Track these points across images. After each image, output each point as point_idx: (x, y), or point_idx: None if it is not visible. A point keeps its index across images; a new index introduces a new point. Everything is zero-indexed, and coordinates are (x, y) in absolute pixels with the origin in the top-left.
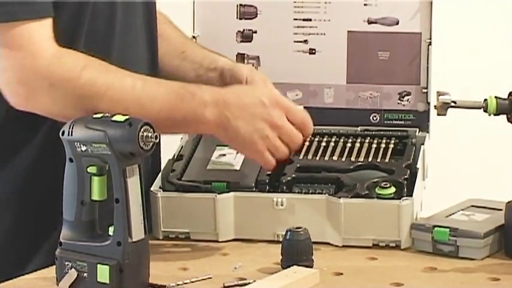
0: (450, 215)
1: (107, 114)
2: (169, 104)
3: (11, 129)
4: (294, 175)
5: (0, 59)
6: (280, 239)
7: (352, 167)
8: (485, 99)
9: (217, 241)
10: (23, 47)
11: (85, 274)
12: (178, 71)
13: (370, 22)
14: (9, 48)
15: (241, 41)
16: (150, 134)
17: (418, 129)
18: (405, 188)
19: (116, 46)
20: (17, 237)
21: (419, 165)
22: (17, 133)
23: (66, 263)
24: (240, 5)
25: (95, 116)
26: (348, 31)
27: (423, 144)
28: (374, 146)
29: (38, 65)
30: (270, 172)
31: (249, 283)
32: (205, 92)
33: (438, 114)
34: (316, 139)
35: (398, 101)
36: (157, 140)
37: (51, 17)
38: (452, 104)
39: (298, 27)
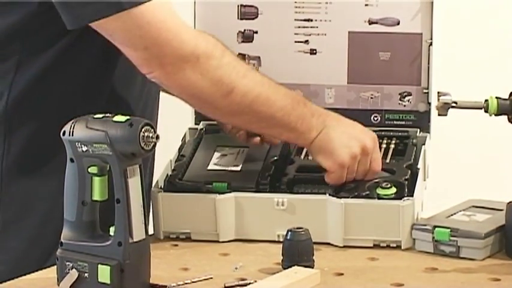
0: (451, 215)
1: (108, 115)
2: (289, 104)
3: (49, 135)
4: (294, 175)
5: (141, 39)
6: (281, 239)
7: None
8: (486, 100)
9: (218, 241)
10: (163, 24)
11: (86, 274)
12: None
13: (371, 22)
14: (149, 27)
15: (242, 42)
16: (151, 134)
17: (419, 130)
18: (406, 189)
19: None
20: (44, 234)
21: (420, 165)
22: (53, 138)
23: (67, 263)
24: (241, 5)
25: (95, 116)
26: (349, 31)
27: (424, 144)
28: None
29: (184, 41)
30: (271, 173)
31: (250, 283)
32: (312, 103)
33: (439, 115)
34: None
35: (399, 102)
36: (158, 140)
37: None
38: (453, 105)
39: (299, 27)
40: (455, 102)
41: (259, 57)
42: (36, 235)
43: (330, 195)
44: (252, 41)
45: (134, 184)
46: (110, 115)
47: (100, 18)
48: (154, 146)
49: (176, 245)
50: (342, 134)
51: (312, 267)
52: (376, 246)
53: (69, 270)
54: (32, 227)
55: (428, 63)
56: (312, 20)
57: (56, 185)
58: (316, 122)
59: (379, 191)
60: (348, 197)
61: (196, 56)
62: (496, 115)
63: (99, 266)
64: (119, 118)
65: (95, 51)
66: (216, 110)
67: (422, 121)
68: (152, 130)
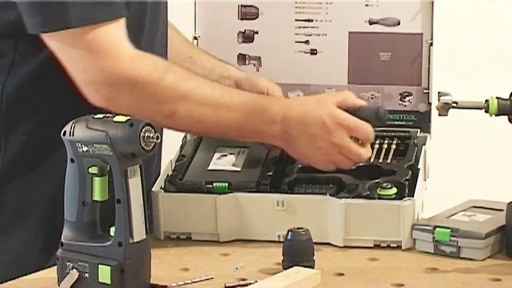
0: (451, 215)
1: (108, 115)
2: (242, 117)
3: (45, 135)
4: (295, 175)
5: (81, 61)
6: (282, 240)
7: (353, 168)
8: (487, 100)
9: (218, 241)
10: (104, 49)
11: (86, 274)
12: None
13: (371, 23)
14: (89, 50)
15: (242, 42)
16: (151, 135)
17: (419, 130)
18: (407, 189)
19: (143, 47)
20: (43, 235)
21: (420, 165)
22: (50, 138)
23: (68, 263)
24: (242, 5)
25: (96, 116)
26: (349, 32)
27: (424, 144)
28: (376, 146)
29: (120, 66)
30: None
31: (251, 283)
32: (274, 107)
33: (439, 115)
34: None
35: (400, 102)
36: (159, 141)
37: (124, 16)
38: (454, 105)
39: (299, 27)
40: (456, 103)
41: (259, 58)
42: (34, 236)
43: (330, 195)
44: (252, 41)
45: (135, 184)
46: (111, 115)
47: (44, 31)
48: (155, 146)
49: (176, 245)
50: (306, 139)
51: (313, 268)
52: (377, 246)
53: (69, 270)
54: (30, 228)
55: (429, 64)
56: (312, 20)
57: (54, 185)
58: (279, 128)
59: (380, 191)
60: (348, 197)
61: (133, 82)
62: (496, 115)
63: (100, 266)
64: (120, 118)
65: None
66: (165, 127)
67: (422, 121)
68: (153, 130)
